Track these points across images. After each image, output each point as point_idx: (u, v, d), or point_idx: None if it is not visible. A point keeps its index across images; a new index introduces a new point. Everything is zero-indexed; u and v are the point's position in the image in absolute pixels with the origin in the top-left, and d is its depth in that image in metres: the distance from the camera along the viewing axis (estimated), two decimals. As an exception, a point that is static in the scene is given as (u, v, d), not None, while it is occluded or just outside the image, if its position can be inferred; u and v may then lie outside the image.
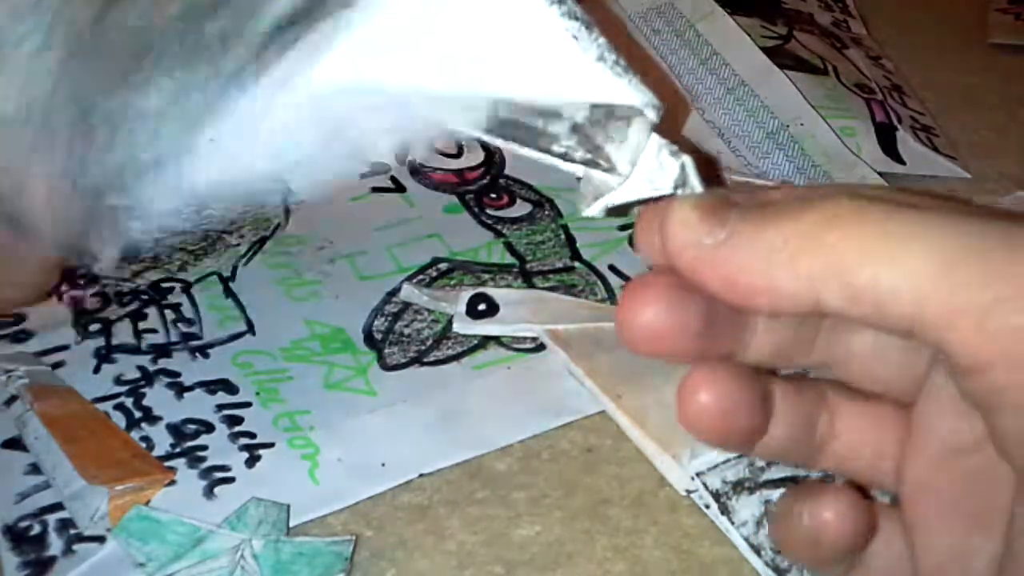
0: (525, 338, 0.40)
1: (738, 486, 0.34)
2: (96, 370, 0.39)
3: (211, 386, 0.38)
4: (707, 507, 0.34)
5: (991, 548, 0.22)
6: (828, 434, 0.25)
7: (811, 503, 0.24)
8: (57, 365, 0.39)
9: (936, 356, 0.23)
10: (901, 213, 0.20)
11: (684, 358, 0.24)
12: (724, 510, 0.33)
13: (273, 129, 0.23)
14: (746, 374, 0.24)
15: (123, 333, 0.40)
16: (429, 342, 0.40)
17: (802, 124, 0.49)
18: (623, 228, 0.45)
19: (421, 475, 0.35)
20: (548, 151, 0.24)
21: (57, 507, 0.33)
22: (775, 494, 0.33)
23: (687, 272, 0.22)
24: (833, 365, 0.25)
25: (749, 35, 0.53)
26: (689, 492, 0.34)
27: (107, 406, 0.37)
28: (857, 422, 0.25)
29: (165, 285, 0.42)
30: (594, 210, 0.25)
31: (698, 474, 0.34)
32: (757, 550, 0.32)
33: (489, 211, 0.46)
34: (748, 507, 0.33)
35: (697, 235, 0.22)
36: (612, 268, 0.43)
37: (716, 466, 0.34)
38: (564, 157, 0.25)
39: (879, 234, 0.20)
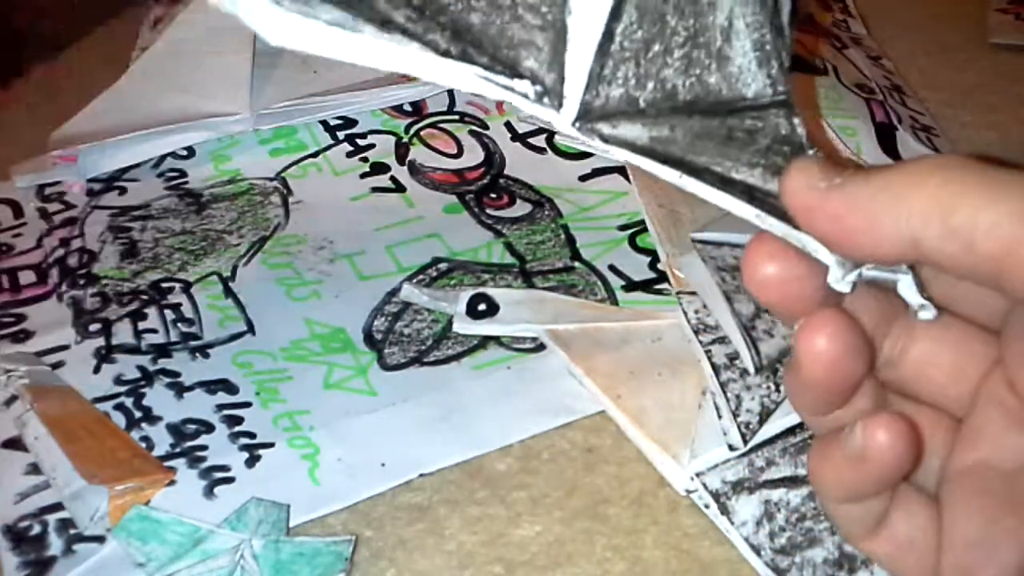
0: (525, 338, 0.40)
1: (737, 486, 0.34)
2: (96, 370, 0.39)
3: (211, 386, 0.38)
4: (707, 507, 0.34)
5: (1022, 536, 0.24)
6: (903, 347, 0.27)
7: (864, 423, 0.25)
8: (57, 365, 0.39)
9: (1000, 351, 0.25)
10: (997, 167, 0.22)
11: (796, 310, 0.25)
12: (724, 510, 0.33)
13: None
14: (854, 322, 0.25)
15: (123, 333, 0.40)
16: (429, 342, 0.40)
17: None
18: (623, 228, 0.45)
19: (421, 475, 0.35)
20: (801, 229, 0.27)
21: (57, 507, 0.33)
22: (775, 494, 0.33)
23: (799, 212, 0.25)
24: (892, 366, 0.27)
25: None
26: (689, 492, 0.34)
27: (107, 406, 0.37)
28: (936, 341, 0.27)
29: (165, 285, 0.42)
30: (851, 277, 0.26)
31: (698, 474, 0.34)
32: (757, 550, 0.32)
33: (489, 211, 0.46)
34: (748, 507, 0.33)
35: (813, 180, 0.24)
36: (612, 268, 0.43)
37: (716, 466, 0.34)
38: None
39: (979, 179, 0.22)
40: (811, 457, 0.26)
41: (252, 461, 0.35)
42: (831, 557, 0.32)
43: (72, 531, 0.33)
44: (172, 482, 0.34)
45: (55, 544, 0.33)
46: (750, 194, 0.27)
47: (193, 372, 0.39)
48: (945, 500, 0.26)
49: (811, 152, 0.26)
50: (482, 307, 0.40)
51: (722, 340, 0.37)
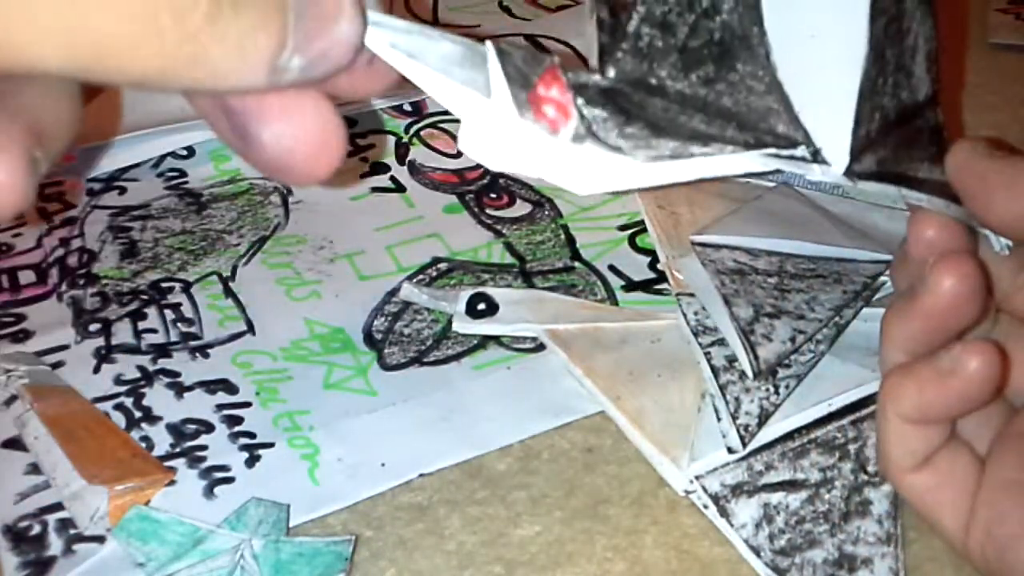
0: (525, 338, 0.40)
1: (736, 489, 0.34)
2: (96, 370, 0.39)
3: (211, 386, 0.38)
4: (706, 507, 0.34)
5: None
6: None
7: (963, 346, 0.27)
8: (57, 365, 0.39)
9: None
10: None
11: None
12: (723, 512, 0.33)
13: None
14: (982, 271, 0.28)
15: (123, 333, 0.40)
16: (429, 342, 0.40)
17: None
18: (623, 228, 0.45)
19: (421, 475, 0.35)
20: None
21: (57, 507, 0.33)
22: (774, 498, 0.33)
23: (958, 173, 0.29)
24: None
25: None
26: (688, 492, 0.34)
27: (107, 406, 0.37)
28: None
29: (165, 285, 0.42)
30: None
31: (697, 477, 0.34)
32: (757, 551, 0.32)
33: (489, 211, 0.46)
34: (747, 509, 0.33)
35: (978, 151, 0.29)
36: (612, 268, 0.43)
37: (715, 470, 0.34)
38: None
39: None
40: (895, 373, 0.29)
41: (252, 461, 0.35)
42: (831, 557, 0.32)
43: (72, 531, 0.33)
44: (172, 482, 0.34)
45: (55, 544, 0.33)
46: (943, 189, 0.30)
47: (193, 372, 0.39)
48: (995, 448, 0.29)
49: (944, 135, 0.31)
50: (482, 307, 0.40)
51: (721, 342, 0.37)
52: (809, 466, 0.34)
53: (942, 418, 0.29)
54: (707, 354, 0.37)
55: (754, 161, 0.26)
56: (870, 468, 0.34)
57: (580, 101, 0.23)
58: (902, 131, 0.30)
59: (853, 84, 0.28)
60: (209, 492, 0.34)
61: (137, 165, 0.49)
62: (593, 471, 0.35)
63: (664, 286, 0.42)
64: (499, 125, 0.21)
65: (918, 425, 0.29)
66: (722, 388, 0.35)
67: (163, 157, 0.49)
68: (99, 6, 0.17)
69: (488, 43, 0.22)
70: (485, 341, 0.40)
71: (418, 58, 0.21)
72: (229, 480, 0.35)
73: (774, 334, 0.36)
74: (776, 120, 0.28)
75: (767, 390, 0.35)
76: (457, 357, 0.39)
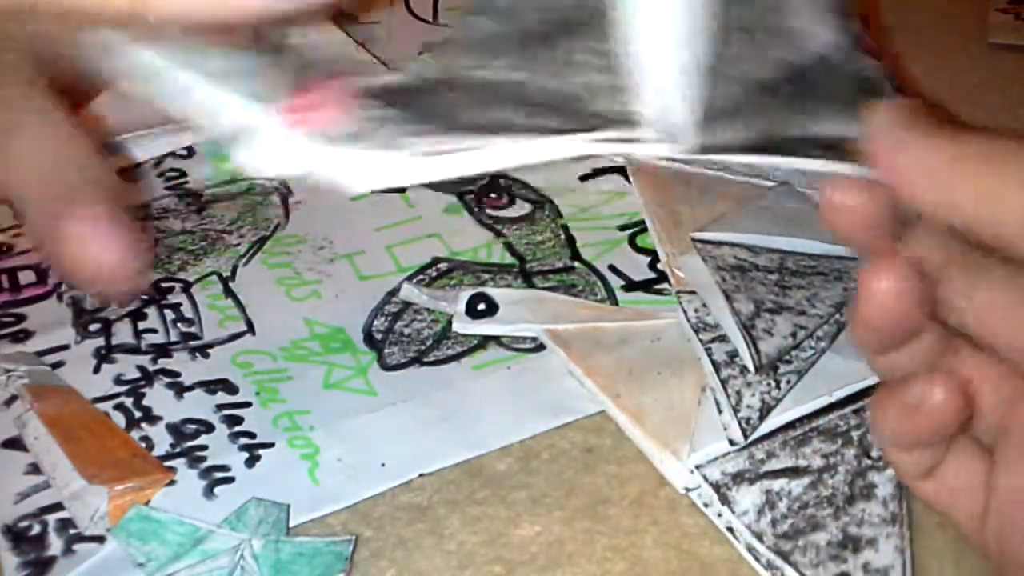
0: (525, 338, 0.40)
1: (738, 477, 0.34)
2: (96, 370, 0.39)
3: (211, 386, 0.38)
4: (706, 505, 0.34)
5: None
6: (969, 292, 0.27)
7: (924, 379, 0.26)
8: (57, 365, 0.39)
9: None
10: None
11: (865, 239, 0.26)
12: (724, 500, 0.33)
13: None
14: (915, 270, 0.26)
15: (123, 333, 0.40)
16: (429, 342, 0.40)
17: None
18: (623, 228, 0.45)
19: (421, 475, 0.35)
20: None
21: (57, 507, 0.33)
22: (776, 484, 0.33)
23: (877, 151, 0.25)
24: (957, 312, 0.27)
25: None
26: (688, 490, 0.34)
27: (107, 406, 0.37)
28: (1001, 291, 0.27)
29: (165, 285, 0.42)
30: None
31: (698, 467, 0.34)
32: (759, 536, 0.32)
33: (489, 211, 0.46)
34: (749, 496, 0.33)
35: (898, 124, 0.24)
36: (612, 268, 0.43)
37: (715, 459, 0.34)
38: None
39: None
40: (874, 403, 0.28)
41: (252, 461, 0.35)
42: (835, 539, 0.32)
43: (72, 531, 0.33)
44: (172, 482, 0.34)
45: (55, 544, 0.33)
46: (839, 149, 0.27)
47: (193, 372, 0.39)
48: (999, 450, 0.27)
49: (888, 86, 0.27)
50: (482, 307, 0.40)
51: (722, 338, 0.37)
52: (811, 453, 0.34)
53: (925, 444, 0.28)
54: (708, 350, 0.37)
55: (576, 146, 0.25)
56: (873, 453, 0.34)
57: (361, 102, 0.23)
58: (793, 91, 0.28)
59: (692, 52, 0.26)
60: (209, 492, 0.34)
61: (137, 165, 0.49)
62: (593, 471, 0.35)
63: (664, 286, 0.42)
64: (266, 132, 0.23)
65: (907, 451, 0.28)
66: (723, 382, 0.36)
67: (163, 157, 0.49)
68: None
69: (255, 53, 0.23)
70: (485, 341, 0.40)
71: (188, 70, 0.22)
72: (229, 480, 0.35)
73: (775, 329, 0.36)
74: (617, 98, 0.26)
75: (768, 384, 0.36)
76: (457, 357, 0.39)
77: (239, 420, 0.37)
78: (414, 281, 0.42)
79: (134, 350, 0.39)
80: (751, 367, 0.35)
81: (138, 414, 0.37)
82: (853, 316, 0.27)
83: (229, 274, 0.43)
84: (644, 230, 0.44)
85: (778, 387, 0.36)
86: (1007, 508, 0.27)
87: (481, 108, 0.26)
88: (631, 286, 0.42)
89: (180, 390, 0.38)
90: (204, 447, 0.36)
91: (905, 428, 0.27)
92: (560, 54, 0.27)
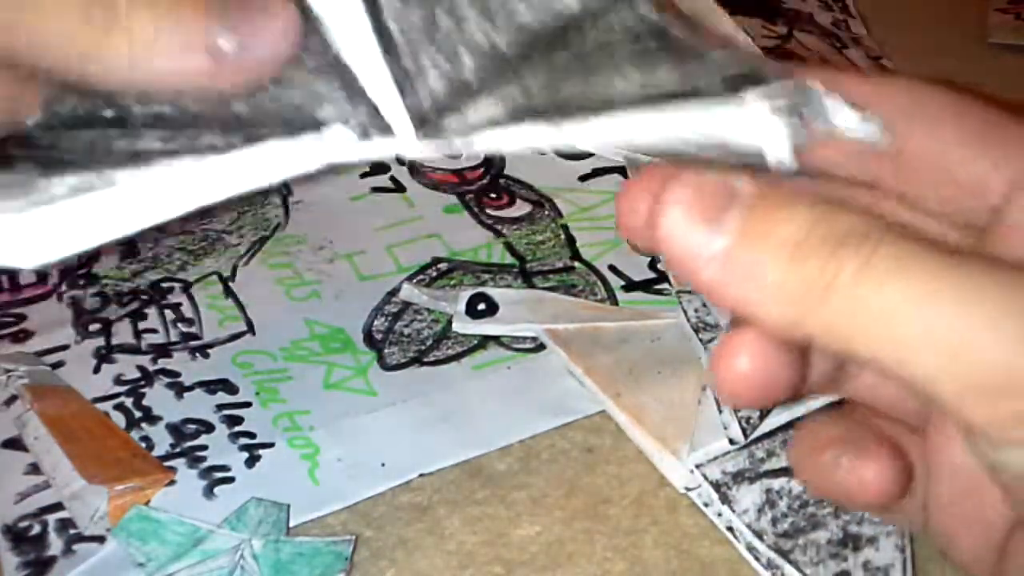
0: (525, 338, 0.40)
1: (738, 476, 0.34)
2: (96, 370, 0.39)
3: (211, 386, 0.38)
4: (706, 505, 0.34)
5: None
6: (848, 373, 0.25)
7: (853, 454, 0.23)
8: (57, 365, 0.39)
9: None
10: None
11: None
12: (724, 499, 0.33)
13: None
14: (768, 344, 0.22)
15: (123, 333, 0.40)
16: (429, 342, 0.40)
17: (802, 124, 0.49)
18: (623, 228, 0.45)
19: (421, 475, 0.35)
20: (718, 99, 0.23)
21: (57, 507, 0.33)
22: (776, 483, 0.33)
23: (678, 265, 0.20)
24: (844, 388, 0.25)
25: (749, 35, 0.53)
26: (688, 489, 0.34)
27: (107, 406, 0.37)
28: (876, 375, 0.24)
29: (165, 285, 0.42)
30: (802, 136, 0.22)
31: (697, 466, 0.34)
32: (760, 535, 0.32)
33: (489, 211, 0.46)
34: (749, 495, 0.33)
35: (697, 238, 0.19)
36: (612, 268, 0.43)
37: (715, 458, 0.34)
38: (738, 102, 0.23)
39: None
40: (795, 455, 0.25)
41: (252, 461, 0.35)
42: (835, 537, 0.32)
43: (72, 531, 0.33)
44: (172, 482, 0.34)
45: (55, 544, 0.33)
46: (646, 96, 0.23)
47: (193, 372, 0.39)
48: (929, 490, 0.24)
49: (670, 24, 0.23)
50: (482, 307, 0.40)
51: (722, 339, 0.37)
52: None
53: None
54: (708, 349, 0.37)
55: (254, 164, 0.22)
56: None
57: None
58: (556, 53, 0.24)
59: (370, 43, 0.23)
60: (209, 492, 0.34)
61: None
62: (593, 471, 0.35)
63: (664, 286, 0.42)
64: None
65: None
66: (723, 384, 0.36)
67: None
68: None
69: None
70: (485, 341, 0.40)
71: None
72: (229, 480, 0.35)
73: (775, 331, 0.36)
74: (325, 107, 0.23)
75: (768, 387, 0.36)
76: (457, 357, 0.39)
77: (239, 420, 0.37)
78: (414, 281, 0.42)
79: (134, 350, 0.39)
80: (751, 367, 0.35)
81: (138, 414, 0.37)
82: (714, 383, 0.22)
83: (229, 274, 0.43)
84: (644, 230, 0.44)
85: (778, 387, 0.36)
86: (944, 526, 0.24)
87: (118, 141, 0.22)
88: (631, 286, 0.42)
89: (180, 390, 0.38)
90: (204, 447, 0.36)
91: (839, 500, 0.24)
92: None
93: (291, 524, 0.33)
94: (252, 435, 0.36)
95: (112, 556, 0.32)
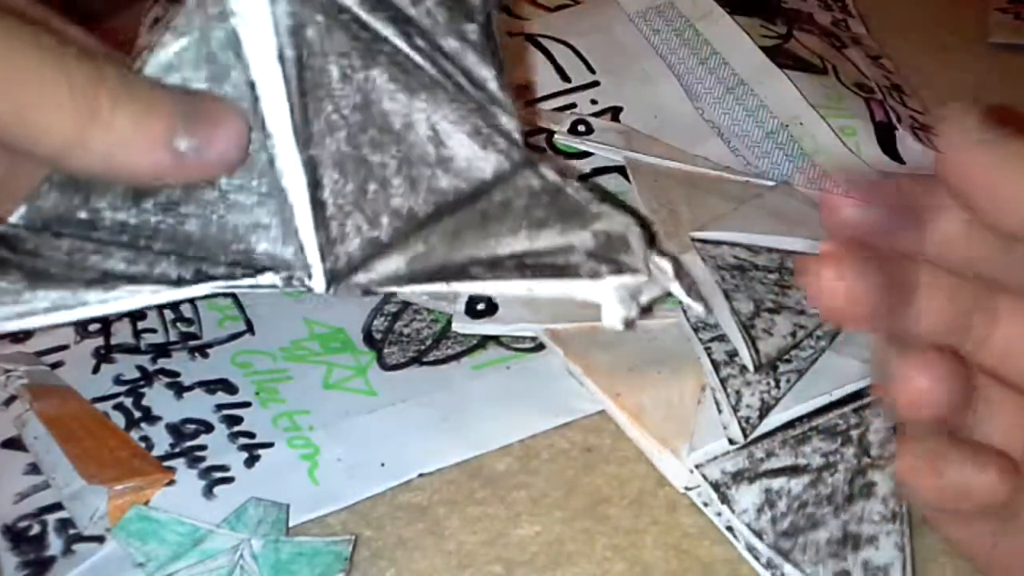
0: (524, 338, 0.40)
1: (737, 476, 0.34)
2: (95, 370, 0.39)
3: (210, 386, 0.38)
4: (706, 504, 0.34)
5: None
6: (987, 331, 0.26)
7: (973, 450, 0.25)
8: (57, 365, 0.39)
9: None
10: None
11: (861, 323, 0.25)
12: (724, 499, 0.33)
13: None
14: (871, 259, 0.24)
15: (122, 333, 0.40)
16: (429, 342, 0.40)
17: (801, 124, 0.49)
18: (623, 228, 0.45)
19: (421, 475, 0.35)
20: (578, 276, 0.30)
21: (56, 507, 0.33)
22: (776, 483, 0.33)
23: (950, 173, 0.24)
24: (977, 352, 0.26)
25: (749, 34, 0.53)
26: (688, 489, 0.34)
27: (106, 406, 0.37)
28: (1018, 326, 0.26)
29: (164, 285, 0.42)
30: (633, 311, 0.30)
31: (697, 466, 0.34)
32: (759, 534, 0.32)
33: (489, 211, 0.46)
34: (748, 495, 0.33)
35: (968, 131, 0.23)
36: (612, 268, 0.43)
37: (715, 458, 0.34)
38: (594, 276, 0.30)
39: None
40: (905, 467, 0.25)
41: (251, 461, 0.35)
42: (835, 537, 0.32)
43: (72, 531, 0.33)
44: (171, 482, 0.34)
45: (54, 544, 0.33)
46: (521, 264, 0.29)
47: (192, 372, 0.39)
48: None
49: (574, 186, 0.30)
50: (481, 307, 0.40)
51: (722, 338, 0.37)
52: (811, 452, 0.34)
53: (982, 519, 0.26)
54: (707, 349, 0.37)
55: (198, 293, 0.27)
56: (873, 452, 0.34)
57: None
58: (462, 215, 0.29)
59: (305, 212, 0.27)
60: (209, 492, 0.34)
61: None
62: (593, 471, 0.35)
63: (664, 286, 0.42)
64: None
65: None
66: (723, 381, 0.36)
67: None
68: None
69: None
70: (485, 341, 0.40)
71: None
72: (229, 480, 0.35)
73: (774, 328, 0.36)
74: (261, 237, 0.27)
75: (768, 384, 0.36)
76: (457, 357, 0.39)
77: (239, 420, 0.37)
78: (414, 281, 0.42)
79: (133, 350, 0.39)
80: (750, 367, 0.35)
81: (137, 414, 0.37)
82: (892, 405, 0.25)
83: (229, 274, 0.43)
84: (644, 230, 0.44)
85: (778, 386, 0.36)
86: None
87: (89, 258, 0.26)
88: (631, 286, 0.42)
89: (180, 390, 0.38)
90: (203, 447, 0.36)
91: (953, 504, 0.25)
92: (196, 192, 0.27)
93: (291, 524, 0.33)
94: (252, 435, 0.36)
95: (111, 556, 0.32)
